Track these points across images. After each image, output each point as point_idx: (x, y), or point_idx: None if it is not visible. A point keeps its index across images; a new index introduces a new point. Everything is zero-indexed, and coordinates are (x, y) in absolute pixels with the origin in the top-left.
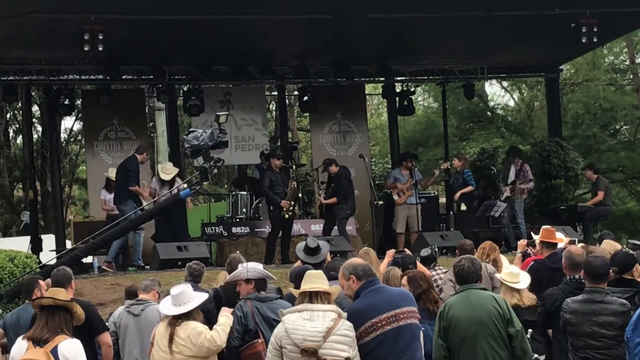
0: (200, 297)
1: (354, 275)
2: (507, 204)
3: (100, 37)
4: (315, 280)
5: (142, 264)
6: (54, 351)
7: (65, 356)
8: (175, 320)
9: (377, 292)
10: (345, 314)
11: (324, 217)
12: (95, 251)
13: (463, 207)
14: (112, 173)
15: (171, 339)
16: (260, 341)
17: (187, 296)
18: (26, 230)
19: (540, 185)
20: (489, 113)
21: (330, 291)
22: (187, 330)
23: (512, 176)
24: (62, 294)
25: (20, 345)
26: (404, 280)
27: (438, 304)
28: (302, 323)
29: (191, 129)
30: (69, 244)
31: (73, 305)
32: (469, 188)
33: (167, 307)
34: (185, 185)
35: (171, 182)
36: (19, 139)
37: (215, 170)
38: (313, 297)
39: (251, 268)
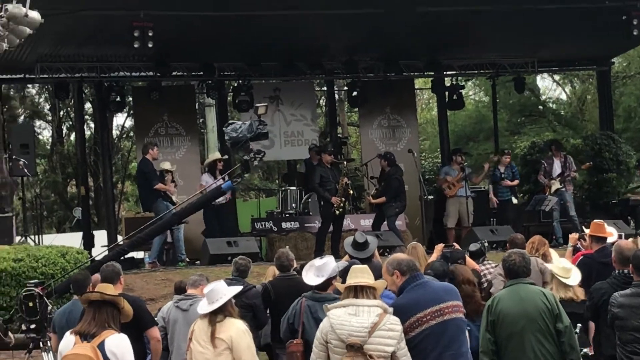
0: (232, 291)
1: (397, 270)
2: (557, 197)
3: (150, 34)
4: (360, 274)
5: (186, 259)
6: (101, 346)
7: (112, 351)
8: (215, 317)
9: (422, 287)
10: (391, 309)
11: (374, 213)
12: (140, 246)
13: (515, 200)
14: (166, 165)
15: (213, 337)
16: (295, 341)
17: (219, 292)
18: (79, 226)
19: (592, 179)
20: (540, 107)
21: (376, 286)
22: (231, 329)
23: (557, 169)
24: (110, 289)
25: (68, 339)
26: None
27: (471, 301)
28: (347, 318)
29: (230, 121)
30: (120, 240)
31: (120, 301)
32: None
33: (203, 306)
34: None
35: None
36: (72, 136)
37: (256, 162)
38: (358, 291)
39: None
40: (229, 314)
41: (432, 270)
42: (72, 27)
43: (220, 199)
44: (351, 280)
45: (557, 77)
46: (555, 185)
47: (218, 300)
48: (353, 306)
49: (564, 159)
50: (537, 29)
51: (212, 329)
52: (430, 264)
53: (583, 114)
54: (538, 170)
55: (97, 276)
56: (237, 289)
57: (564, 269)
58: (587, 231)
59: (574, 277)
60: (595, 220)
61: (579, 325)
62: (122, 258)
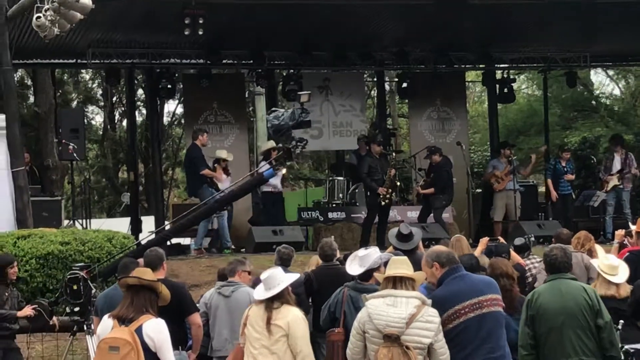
0: (290, 278)
1: (437, 262)
2: (607, 194)
3: (201, 22)
4: (400, 266)
5: (232, 246)
6: (139, 330)
7: (149, 336)
8: (272, 304)
9: (461, 280)
10: (429, 301)
11: (421, 205)
12: (183, 231)
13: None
14: (222, 154)
15: (268, 322)
16: (337, 330)
17: (276, 279)
18: (128, 211)
19: None
20: (593, 102)
21: (415, 277)
22: (288, 316)
23: (617, 165)
24: (149, 274)
25: (106, 323)
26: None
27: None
28: (385, 309)
29: (273, 109)
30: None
31: (158, 285)
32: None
33: (259, 292)
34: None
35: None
36: (125, 122)
37: (298, 150)
38: (397, 282)
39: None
40: (286, 301)
41: None
42: (123, 13)
43: (280, 187)
44: (390, 271)
45: (610, 73)
46: (613, 181)
47: (276, 287)
48: (391, 297)
49: (624, 156)
50: (590, 23)
51: (268, 315)
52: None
53: (636, 109)
54: (588, 165)
55: (140, 261)
56: (295, 276)
57: (611, 266)
58: (633, 228)
59: (622, 274)
60: None
61: (621, 321)
62: (168, 244)
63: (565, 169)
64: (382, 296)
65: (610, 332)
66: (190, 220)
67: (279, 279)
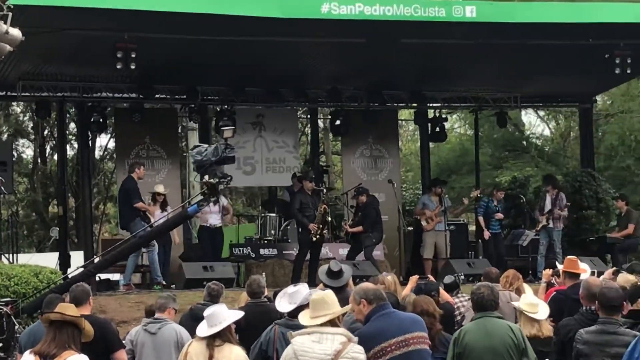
0: (234, 316)
1: (364, 299)
2: (538, 233)
3: (133, 56)
4: (321, 307)
5: (162, 282)
6: None
7: None
8: (213, 341)
9: (388, 317)
10: (355, 338)
11: (350, 243)
12: (107, 267)
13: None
14: (159, 188)
15: None
16: None
17: (220, 316)
18: (58, 246)
19: (571, 215)
20: (523, 142)
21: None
22: (231, 356)
23: (548, 205)
24: (72, 309)
25: (28, 359)
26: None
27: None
28: (310, 345)
29: (196, 144)
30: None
31: (81, 321)
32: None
33: (202, 328)
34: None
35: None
36: (56, 155)
37: (222, 187)
38: None
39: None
40: (228, 339)
41: None
42: (55, 46)
43: (216, 222)
44: (312, 321)
45: (541, 113)
46: (543, 221)
47: (218, 325)
48: (317, 333)
49: (555, 196)
50: (521, 65)
51: (210, 353)
52: None
53: (566, 150)
54: (518, 204)
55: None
56: (240, 314)
57: (531, 304)
58: (560, 267)
59: (542, 311)
60: (568, 257)
61: None
62: (97, 279)
63: (497, 208)
64: (307, 333)
65: None
66: (115, 256)
67: (222, 316)
